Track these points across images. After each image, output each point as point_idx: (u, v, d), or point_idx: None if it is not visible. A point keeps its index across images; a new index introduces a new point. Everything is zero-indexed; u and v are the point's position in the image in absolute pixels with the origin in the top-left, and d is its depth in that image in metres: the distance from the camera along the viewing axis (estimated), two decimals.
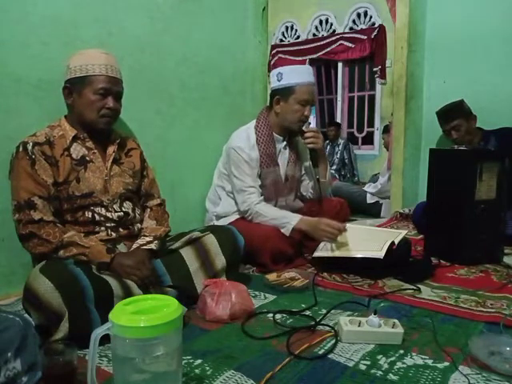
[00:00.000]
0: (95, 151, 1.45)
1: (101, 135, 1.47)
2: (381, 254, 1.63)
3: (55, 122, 1.45)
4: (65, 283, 1.11)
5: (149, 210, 1.59)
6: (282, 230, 1.86)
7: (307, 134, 1.98)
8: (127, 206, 1.49)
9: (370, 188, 3.43)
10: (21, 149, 1.34)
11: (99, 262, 1.30)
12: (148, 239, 1.46)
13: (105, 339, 0.84)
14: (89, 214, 1.40)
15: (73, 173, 1.38)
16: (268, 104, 2.14)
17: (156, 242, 1.46)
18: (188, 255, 1.49)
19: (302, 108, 1.95)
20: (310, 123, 2.04)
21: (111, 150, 1.49)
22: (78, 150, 1.42)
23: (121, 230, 1.45)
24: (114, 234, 1.43)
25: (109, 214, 1.43)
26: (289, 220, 1.87)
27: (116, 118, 1.48)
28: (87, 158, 1.43)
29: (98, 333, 0.83)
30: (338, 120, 5.20)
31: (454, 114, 2.45)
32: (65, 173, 1.37)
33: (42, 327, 1.12)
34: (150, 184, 1.62)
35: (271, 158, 2.02)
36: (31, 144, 1.34)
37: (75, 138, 1.42)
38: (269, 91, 2.40)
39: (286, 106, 1.97)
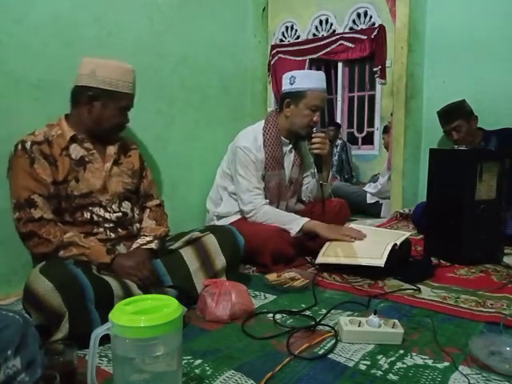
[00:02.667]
0: (94, 151, 1.45)
1: (101, 137, 1.48)
2: (381, 263, 1.63)
3: (54, 121, 1.45)
4: (65, 283, 1.11)
5: (148, 210, 1.59)
6: (289, 226, 1.87)
7: (314, 140, 1.97)
8: (126, 206, 1.49)
9: (370, 188, 3.43)
10: (19, 147, 1.34)
11: (99, 263, 1.30)
12: (148, 239, 1.46)
13: (105, 339, 0.84)
14: (87, 215, 1.40)
15: (72, 172, 1.38)
16: (276, 106, 2.14)
17: (156, 241, 1.46)
18: (188, 255, 1.49)
19: (312, 113, 1.95)
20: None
21: (112, 151, 1.49)
22: (77, 151, 1.42)
23: (119, 230, 1.45)
24: (112, 235, 1.43)
25: (107, 215, 1.43)
26: (297, 219, 1.89)
27: None
28: (86, 159, 1.43)
29: (98, 333, 0.83)
30: (338, 120, 5.20)
31: (455, 114, 2.45)
32: (64, 172, 1.37)
33: (42, 327, 1.12)
34: (148, 185, 1.62)
35: (277, 161, 2.02)
36: (29, 143, 1.34)
37: (73, 139, 1.42)
38: (269, 91, 2.41)
39: (296, 110, 1.97)
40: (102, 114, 1.43)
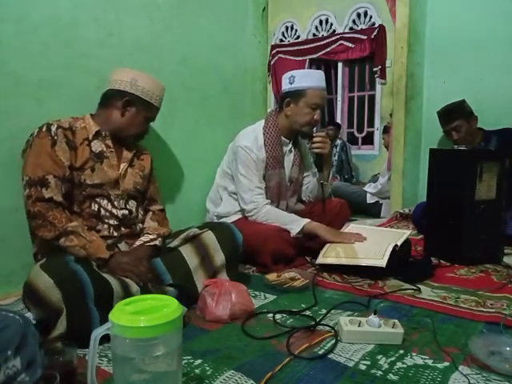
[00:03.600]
0: (112, 150, 1.50)
1: (122, 141, 1.55)
2: (382, 263, 1.62)
3: (79, 116, 1.51)
4: (65, 280, 1.11)
5: (151, 213, 1.63)
6: (290, 227, 1.87)
7: (316, 139, 1.98)
8: (132, 204, 1.53)
9: (370, 188, 3.43)
10: (44, 129, 1.39)
11: (97, 258, 1.30)
12: (152, 237, 1.49)
13: (105, 339, 0.84)
14: (95, 207, 1.42)
15: (89, 162, 1.43)
16: (276, 106, 2.15)
17: (160, 239, 1.49)
18: (187, 253, 1.49)
19: (312, 112, 1.96)
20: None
21: (128, 155, 1.56)
22: (97, 146, 1.48)
23: (123, 228, 1.48)
24: (115, 233, 1.45)
25: (114, 210, 1.46)
26: (298, 220, 1.90)
27: None
28: (105, 154, 1.48)
29: (98, 333, 0.83)
30: (338, 120, 5.20)
31: (455, 114, 2.45)
32: (82, 160, 1.42)
33: (42, 324, 1.12)
34: (154, 190, 1.68)
35: (277, 161, 2.03)
36: (56, 126, 1.40)
37: (97, 134, 1.48)
38: (269, 91, 2.41)
39: (297, 108, 1.98)
40: (133, 119, 1.53)
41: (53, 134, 1.38)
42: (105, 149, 1.49)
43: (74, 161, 1.40)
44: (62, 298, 1.08)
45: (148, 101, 1.55)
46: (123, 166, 1.52)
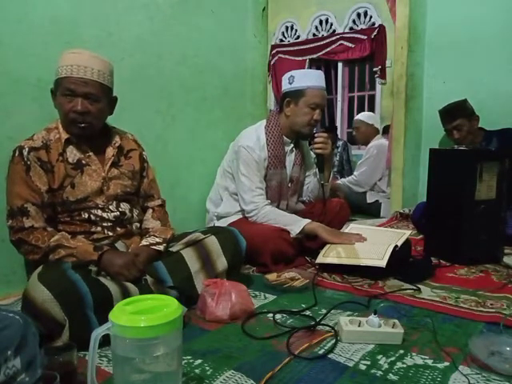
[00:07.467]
0: (90, 154, 1.43)
1: (95, 137, 1.44)
2: (383, 264, 1.62)
3: (53, 123, 1.43)
4: (64, 292, 1.10)
5: (151, 210, 1.60)
6: (290, 227, 1.87)
7: (317, 140, 1.99)
8: (124, 206, 1.49)
9: (350, 183, 3.41)
10: (17, 153, 1.34)
11: (87, 261, 1.29)
12: (158, 240, 1.46)
13: (104, 342, 0.84)
14: (85, 215, 1.40)
15: (68, 178, 1.38)
16: (276, 106, 2.15)
17: (165, 245, 1.46)
18: (189, 256, 1.47)
19: (312, 111, 1.96)
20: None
21: (110, 153, 1.47)
22: (73, 154, 1.40)
23: (118, 229, 1.45)
24: (110, 233, 1.43)
25: (105, 215, 1.43)
26: (299, 221, 1.90)
27: (92, 122, 1.37)
28: (83, 162, 1.41)
29: (98, 332, 0.83)
30: (338, 120, 5.20)
31: (457, 113, 2.45)
32: (60, 179, 1.36)
33: (42, 335, 1.11)
34: (149, 184, 1.61)
35: (279, 160, 2.03)
36: (27, 149, 1.33)
37: (68, 142, 1.40)
38: (268, 91, 2.41)
39: (296, 108, 1.98)
40: (58, 107, 1.37)
41: (25, 158, 1.32)
42: (82, 155, 1.41)
43: (52, 182, 1.35)
44: (61, 310, 1.07)
45: (57, 78, 1.34)
46: (107, 168, 1.45)
